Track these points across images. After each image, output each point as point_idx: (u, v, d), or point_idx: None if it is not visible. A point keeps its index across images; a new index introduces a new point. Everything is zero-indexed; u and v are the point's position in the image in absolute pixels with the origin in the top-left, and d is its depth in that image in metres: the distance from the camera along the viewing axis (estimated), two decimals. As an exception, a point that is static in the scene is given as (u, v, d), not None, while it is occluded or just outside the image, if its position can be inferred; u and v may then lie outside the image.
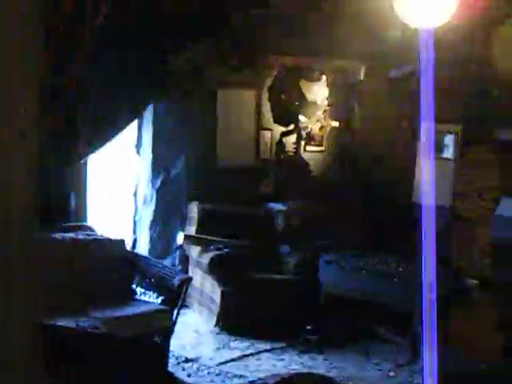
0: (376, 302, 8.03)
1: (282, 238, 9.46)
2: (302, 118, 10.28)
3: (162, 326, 6.67)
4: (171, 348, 6.90)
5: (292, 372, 6.97)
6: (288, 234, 9.51)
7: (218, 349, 7.85)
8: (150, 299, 6.91)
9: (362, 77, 10.45)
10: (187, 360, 7.43)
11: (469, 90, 7.79)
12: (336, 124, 10.57)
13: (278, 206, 9.71)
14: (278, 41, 9.34)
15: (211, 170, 9.60)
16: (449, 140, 10.38)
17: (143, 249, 9.40)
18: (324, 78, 10.45)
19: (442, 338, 6.82)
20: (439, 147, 10.43)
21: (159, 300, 6.84)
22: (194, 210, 9.24)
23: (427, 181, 11.09)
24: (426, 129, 10.93)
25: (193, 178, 9.47)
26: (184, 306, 7.69)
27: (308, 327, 8.13)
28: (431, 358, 4.47)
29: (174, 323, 6.81)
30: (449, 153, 10.48)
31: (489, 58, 7.30)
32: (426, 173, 11.03)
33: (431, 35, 3.22)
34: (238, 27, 9.17)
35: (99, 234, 7.32)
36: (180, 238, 9.19)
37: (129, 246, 8.58)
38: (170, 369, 6.95)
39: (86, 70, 5.66)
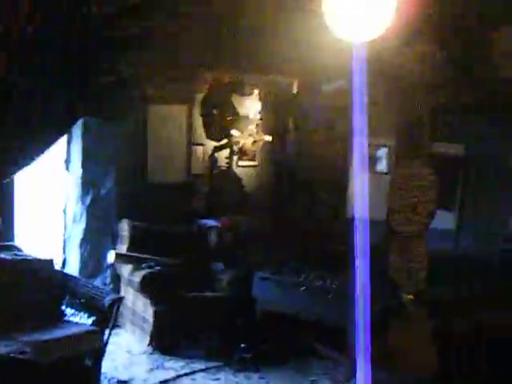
0: (312, 318, 7.95)
1: (215, 254, 9.37)
2: (234, 132, 10.21)
3: (92, 348, 6.46)
4: (103, 370, 6.71)
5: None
6: (221, 250, 9.42)
7: (151, 369, 7.66)
8: (81, 320, 6.70)
9: (295, 90, 10.42)
10: (120, 382, 7.24)
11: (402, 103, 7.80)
12: (269, 138, 10.52)
13: (211, 222, 9.61)
14: (210, 55, 9.23)
15: (143, 186, 9.43)
16: (382, 154, 10.42)
17: (73, 268, 9.17)
18: (256, 92, 10.40)
19: (378, 353, 6.77)
20: (373, 161, 10.46)
21: (90, 321, 6.64)
22: (125, 227, 9.05)
23: (361, 195, 11.08)
24: (359, 142, 10.94)
25: (124, 194, 9.28)
26: (116, 326, 7.56)
27: (243, 345, 8.00)
28: (365, 374, 4.40)
29: (106, 344, 6.63)
30: (382, 166, 10.52)
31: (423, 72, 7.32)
32: (359, 186, 11.05)
33: (363, 49, 3.12)
34: (169, 42, 9.05)
35: (27, 253, 7.09)
36: (111, 257, 8.99)
37: (58, 266, 8.36)
38: (102, 392, 6.77)
39: (7, 82, 5.44)
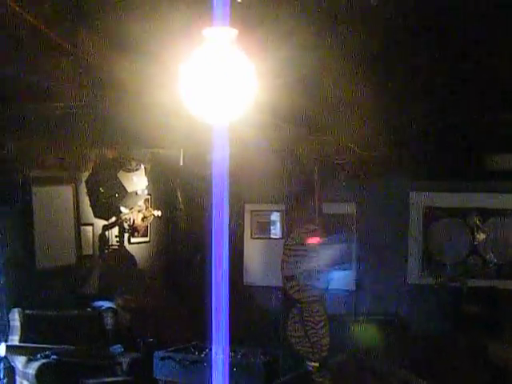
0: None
1: (113, 336, 9.11)
2: (123, 209, 10.01)
3: None
4: None
5: None
6: (119, 331, 9.16)
7: None
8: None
9: (181, 163, 10.32)
10: None
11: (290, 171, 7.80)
12: (159, 213, 10.37)
13: (106, 304, 9.37)
14: (92, 133, 9.06)
15: (32, 273, 9.11)
16: (276, 218, 10.45)
17: (-38, 365, 8.74)
18: (143, 166, 10.26)
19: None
20: (267, 227, 10.48)
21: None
22: (16, 317, 8.70)
23: (257, 261, 11.01)
24: (249, 209, 10.89)
25: (13, 283, 8.94)
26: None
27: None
28: None
29: None
30: (276, 231, 10.54)
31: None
32: (251, 254, 11.01)
33: (225, 130, 3.06)
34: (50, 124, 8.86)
35: None
36: (2, 349, 8.59)
37: None
38: None
39: None
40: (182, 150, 10.31)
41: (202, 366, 7.96)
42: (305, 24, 3.91)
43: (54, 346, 8.46)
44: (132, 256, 10.26)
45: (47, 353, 8.34)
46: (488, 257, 9.95)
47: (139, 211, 10.21)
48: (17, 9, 3.56)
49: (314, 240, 7.14)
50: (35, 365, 8.10)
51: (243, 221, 10.92)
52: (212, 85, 2.91)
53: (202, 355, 8.13)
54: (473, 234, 10.01)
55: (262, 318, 9.97)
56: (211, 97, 2.95)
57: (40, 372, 7.99)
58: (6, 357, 8.66)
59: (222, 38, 2.87)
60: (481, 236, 9.98)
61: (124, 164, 10.08)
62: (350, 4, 3.74)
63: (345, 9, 3.77)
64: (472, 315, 9.49)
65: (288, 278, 7.15)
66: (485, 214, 10.02)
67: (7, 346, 8.55)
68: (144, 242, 10.64)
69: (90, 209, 9.96)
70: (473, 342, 8.64)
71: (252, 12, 3.54)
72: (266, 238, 10.69)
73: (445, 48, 4.95)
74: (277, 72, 4.43)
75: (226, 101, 2.96)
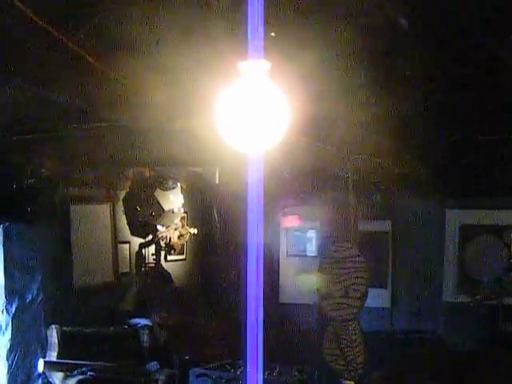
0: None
1: (149, 353, 9.15)
2: (159, 227, 10.08)
3: None
4: None
5: None
6: (155, 348, 9.20)
7: None
8: None
9: (217, 181, 10.38)
10: None
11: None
12: (195, 231, 10.43)
13: (143, 321, 9.41)
14: (128, 153, 9.16)
15: (69, 291, 9.21)
16: (312, 235, 10.46)
17: (1, 381, 8.81)
18: (179, 185, 10.33)
19: None
20: (303, 244, 10.50)
21: None
22: (53, 333, 8.78)
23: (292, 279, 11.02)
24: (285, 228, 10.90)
25: (51, 300, 9.04)
26: None
27: None
28: None
29: None
30: (312, 249, 10.55)
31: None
32: (287, 271, 11.02)
33: (260, 155, 3.13)
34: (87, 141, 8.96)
35: None
36: (40, 366, 8.68)
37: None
38: None
39: None
40: (217, 169, 10.38)
41: (237, 383, 7.98)
42: (337, 52, 3.97)
43: (91, 363, 8.51)
44: (168, 273, 10.32)
45: (84, 369, 8.40)
46: (525, 274, 9.90)
47: (176, 229, 10.27)
48: (56, 34, 3.64)
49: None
50: (72, 381, 8.16)
51: (279, 238, 10.97)
52: (247, 116, 2.98)
53: (238, 373, 8.14)
54: (509, 251, 9.96)
55: (297, 336, 9.98)
56: (246, 128, 3.02)
57: (77, 388, 8.06)
58: (44, 373, 8.75)
59: (257, 70, 2.94)
60: (517, 253, 9.93)
61: (161, 183, 10.15)
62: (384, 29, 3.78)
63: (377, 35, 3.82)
64: (508, 333, 9.44)
65: (323, 296, 7.17)
66: (521, 231, 9.99)
67: (45, 362, 8.65)
68: (180, 260, 10.70)
69: (127, 227, 10.04)
70: (509, 360, 8.58)
71: (285, 44, 3.61)
72: (301, 256, 10.73)
73: (482, 61, 4.94)
74: (310, 97, 4.49)
75: (260, 132, 3.03)
